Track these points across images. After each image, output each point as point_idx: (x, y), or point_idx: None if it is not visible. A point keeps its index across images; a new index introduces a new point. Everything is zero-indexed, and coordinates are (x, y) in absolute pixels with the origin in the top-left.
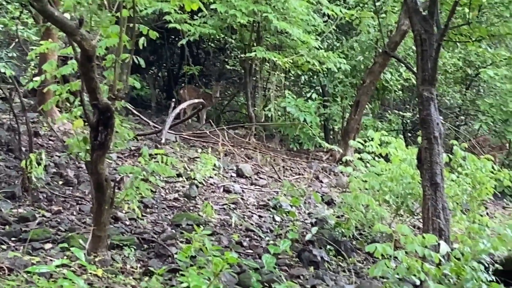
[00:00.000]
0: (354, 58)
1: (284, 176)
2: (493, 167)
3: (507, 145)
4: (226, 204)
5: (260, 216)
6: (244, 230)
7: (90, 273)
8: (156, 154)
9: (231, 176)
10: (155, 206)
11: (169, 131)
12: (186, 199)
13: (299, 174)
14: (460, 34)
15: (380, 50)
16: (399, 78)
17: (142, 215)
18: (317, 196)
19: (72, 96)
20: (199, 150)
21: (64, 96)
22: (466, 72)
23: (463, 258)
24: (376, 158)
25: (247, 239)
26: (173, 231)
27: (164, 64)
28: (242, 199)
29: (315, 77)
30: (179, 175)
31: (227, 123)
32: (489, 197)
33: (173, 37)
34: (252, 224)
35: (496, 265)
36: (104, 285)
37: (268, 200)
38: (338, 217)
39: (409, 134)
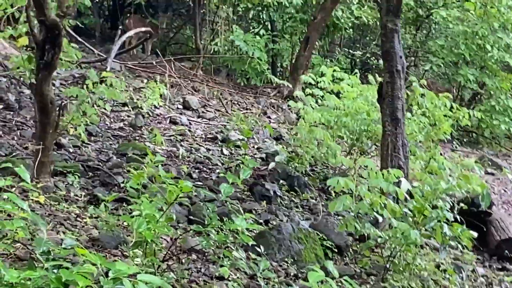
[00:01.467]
0: None
1: (231, 110)
2: (451, 106)
3: (454, 89)
4: (173, 135)
5: (208, 149)
6: (192, 162)
7: (32, 199)
8: (104, 78)
9: (178, 108)
10: (100, 134)
11: (114, 60)
12: (131, 129)
13: (247, 109)
14: None
15: None
16: (350, 16)
17: (86, 143)
18: (270, 128)
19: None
20: (145, 81)
21: (9, 11)
22: (418, 13)
23: (424, 196)
24: (328, 94)
25: (197, 171)
26: (119, 160)
27: None
28: (189, 131)
29: (263, 11)
30: (124, 104)
31: (173, 55)
32: (446, 137)
33: None
34: (200, 157)
35: (462, 204)
36: (46, 212)
37: (216, 133)
38: (289, 152)
39: (358, 74)
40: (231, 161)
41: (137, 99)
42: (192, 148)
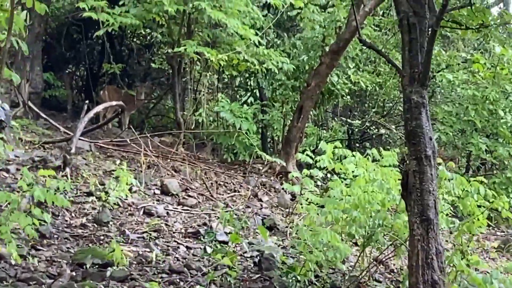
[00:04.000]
0: (297, 57)
1: (217, 193)
2: (486, 193)
3: (460, 158)
4: (146, 232)
5: (188, 248)
6: (167, 272)
7: None
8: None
9: (155, 193)
10: (55, 235)
11: (82, 138)
12: (96, 225)
13: (235, 191)
14: (453, 21)
15: (327, 49)
16: (347, 81)
17: (37, 249)
18: (263, 231)
19: None
20: (118, 162)
21: None
22: None
23: None
24: (329, 175)
25: (171, 287)
26: (73, 273)
27: (83, 62)
28: (166, 224)
29: (251, 78)
30: (89, 194)
31: (153, 129)
32: (481, 231)
33: (93, 31)
34: (177, 260)
35: None
36: None
37: (199, 226)
38: (285, 255)
39: (357, 145)
40: (215, 269)
41: (104, 187)
42: (169, 248)
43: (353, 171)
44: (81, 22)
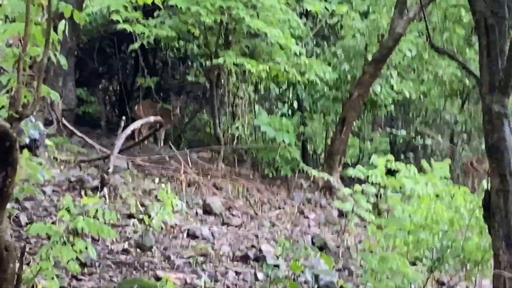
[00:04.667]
0: (338, 67)
1: (262, 211)
2: None
3: None
4: (192, 256)
5: (237, 273)
6: None
7: None
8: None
9: (197, 213)
10: (97, 263)
11: (119, 155)
12: (139, 250)
13: (280, 208)
14: None
15: (370, 58)
16: (390, 91)
17: (78, 279)
18: (328, 260)
19: None
20: (157, 180)
21: None
22: (464, 83)
23: None
24: (382, 190)
25: None
26: None
27: (116, 77)
28: (212, 248)
29: (289, 89)
30: (130, 216)
31: (188, 144)
32: None
33: (126, 45)
34: (227, 287)
35: None
36: None
37: (247, 248)
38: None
39: (402, 156)
40: None
41: (145, 209)
42: (218, 273)
43: (411, 188)
44: (114, 36)
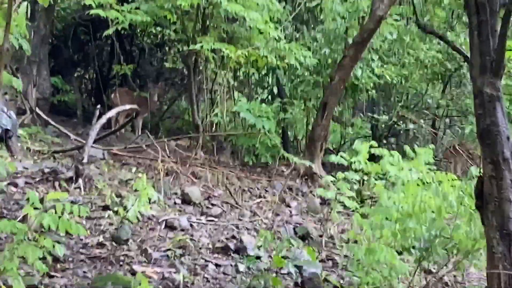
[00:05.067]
0: (318, 51)
1: (242, 200)
2: None
3: None
4: (169, 249)
5: (218, 266)
6: None
7: None
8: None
9: (175, 203)
10: (70, 258)
11: (95, 145)
12: (114, 244)
13: (261, 197)
14: None
15: (350, 41)
16: (371, 75)
17: (50, 275)
18: (311, 253)
19: None
20: (134, 170)
21: None
22: (446, 67)
23: None
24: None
25: None
26: None
27: (92, 64)
28: (191, 239)
29: (269, 75)
30: (105, 208)
31: (167, 132)
32: None
33: (101, 31)
34: (207, 281)
35: None
36: None
37: (227, 239)
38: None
39: (384, 141)
40: None
41: (121, 200)
42: (197, 266)
43: (395, 174)
44: (89, 22)
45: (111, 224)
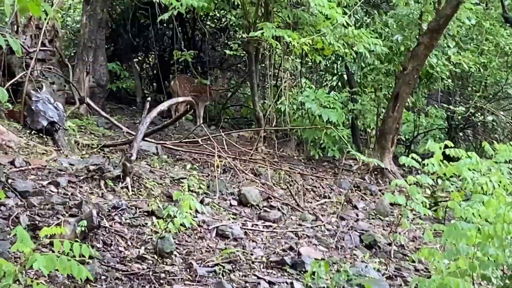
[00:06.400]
0: (390, 38)
1: (304, 201)
2: None
3: None
4: (218, 264)
5: (271, 283)
6: None
7: None
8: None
9: (231, 205)
10: (103, 276)
11: (147, 139)
12: (156, 258)
13: (325, 197)
14: None
15: (425, 27)
16: (447, 63)
17: None
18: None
19: None
20: (188, 166)
21: None
22: None
23: None
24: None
25: None
26: None
27: (153, 49)
28: (243, 250)
29: (338, 62)
30: (151, 213)
31: (231, 121)
32: None
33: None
34: None
35: None
36: None
37: (284, 251)
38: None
39: (460, 134)
40: None
41: (169, 202)
42: (247, 284)
43: (472, 179)
44: (148, 6)
45: (156, 232)
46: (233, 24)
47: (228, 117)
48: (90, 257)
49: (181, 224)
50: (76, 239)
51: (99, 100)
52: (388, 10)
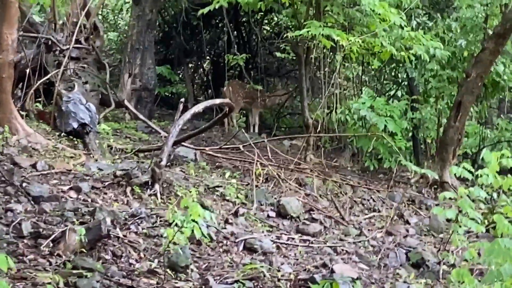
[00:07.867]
0: (453, 42)
1: (350, 214)
2: None
3: None
4: (238, 281)
5: None
6: None
7: None
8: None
9: (269, 216)
10: None
11: (186, 145)
12: (169, 272)
13: (374, 210)
14: None
15: (491, 32)
16: None
17: None
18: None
19: None
20: (227, 174)
21: None
22: None
23: None
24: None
25: None
26: None
27: (207, 53)
28: (269, 266)
29: (398, 68)
30: (172, 223)
31: (287, 130)
32: None
33: (219, 17)
34: None
35: None
36: None
37: (315, 268)
38: None
39: None
40: None
41: (184, 220)
42: None
43: None
44: (200, 7)
45: (175, 244)
46: (286, 25)
47: (284, 126)
48: (90, 270)
49: (203, 235)
50: (82, 249)
51: (146, 104)
52: (451, 13)
